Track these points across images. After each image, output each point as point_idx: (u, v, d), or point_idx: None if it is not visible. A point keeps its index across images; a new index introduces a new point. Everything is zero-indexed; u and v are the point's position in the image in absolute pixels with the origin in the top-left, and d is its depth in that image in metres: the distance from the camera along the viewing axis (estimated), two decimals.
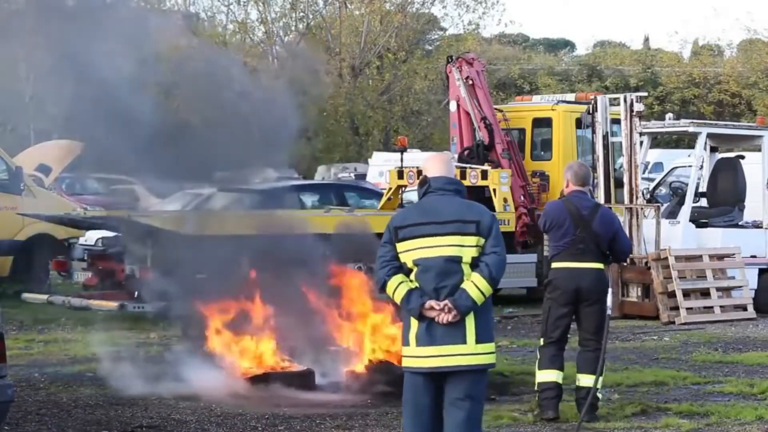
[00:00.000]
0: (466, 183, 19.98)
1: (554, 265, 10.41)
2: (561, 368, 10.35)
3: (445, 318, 7.14)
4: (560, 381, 10.33)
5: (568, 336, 10.49)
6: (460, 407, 7.22)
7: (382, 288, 7.33)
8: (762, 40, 53.27)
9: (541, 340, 10.46)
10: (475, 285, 7.18)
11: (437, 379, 7.26)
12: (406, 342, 7.30)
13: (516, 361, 13.75)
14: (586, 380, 10.26)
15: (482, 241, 7.24)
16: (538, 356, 10.45)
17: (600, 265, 10.28)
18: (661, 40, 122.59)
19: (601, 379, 10.26)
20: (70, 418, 10.45)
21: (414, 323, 7.24)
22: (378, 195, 22.86)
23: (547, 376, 10.33)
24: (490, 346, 7.29)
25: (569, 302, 10.31)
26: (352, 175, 33.46)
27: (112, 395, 11.30)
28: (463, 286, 7.17)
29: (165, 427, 10.10)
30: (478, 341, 7.21)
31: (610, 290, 10.25)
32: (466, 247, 7.22)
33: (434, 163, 7.51)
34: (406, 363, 7.31)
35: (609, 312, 10.23)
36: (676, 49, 59.44)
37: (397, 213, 7.55)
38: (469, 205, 7.38)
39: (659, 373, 12.78)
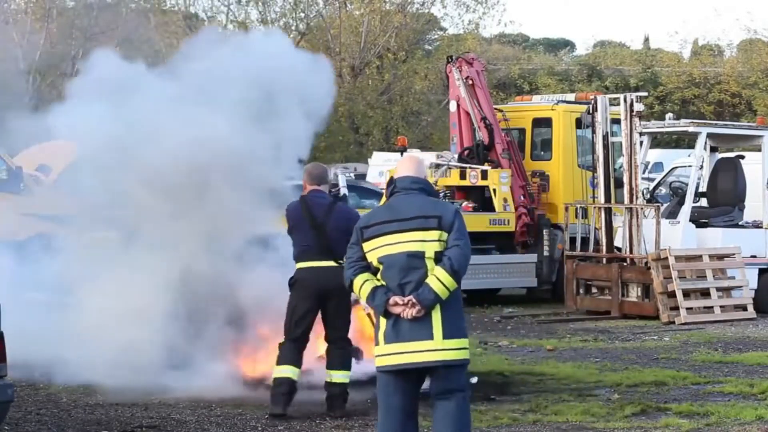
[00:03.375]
0: (465, 183, 20.04)
1: (298, 265, 10.49)
2: (296, 364, 10.44)
3: (410, 313, 7.15)
4: (295, 377, 10.42)
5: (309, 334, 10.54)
6: (446, 401, 7.26)
7: (350, 287, 7.39)
8: (762, 40, 53.24)
9: (283, 337, 10.55)
10: (437, 279, 7.18)
11: (408, 377, 7.27)
12: (376, 341, 7.35)
13: (516, 361, 13.77)
14: (338, 376, 10.40)
15: (445, 235, 7.26)
16: (278, 352, 10.55)
17: (338, 264, 10.21)
18: (661, 40, 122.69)
19: (350, 374, 10.47)
20: (70, 418, 10.46)
21: (383, 321, 7.27)
22: (378, 195, 22.87)
23: (281, 371, 10.44)
24: (459, 342, 7.26)
25: (313, 301, 10.40)
26: (352, 175, 33.42)
27: (112, 395, 11.30)
28: (426, 280, 7.19)
29: (165, 427, 10.10)
30: (446, 337, 7.20)
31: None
32: (428, 242, 7.25)
33: (403, 164, 7.61)
34: (377, 362, 7.34)
35: (366, 309, 10.29)
36: (676, 49, 59.41)
37: (364, 214, 7.60)
38: (433, 202, 7.44)
39: (659, 373, 12.79)
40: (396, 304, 7.18)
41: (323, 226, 10.37)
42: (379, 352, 7.31)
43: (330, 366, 10.50)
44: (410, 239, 7.25)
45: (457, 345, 7.25)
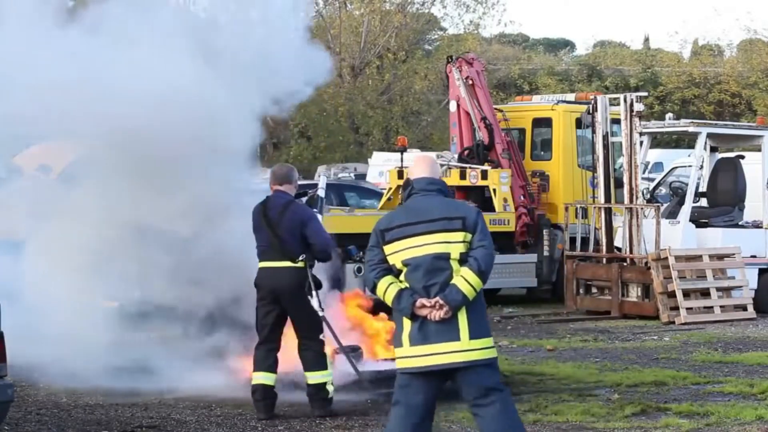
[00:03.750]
0: (465, 183, 20.03)
1: (259, 265, 10.50)
2: (271, 370, 10.42)
3: (437, 315, 7.14)
4: (270, 383, 10.41)
5: (281, 336, 10.50)
6: (487, 402, 7.23)
7: (373, 290, 7.37)
8: (762, 40, 53.27)
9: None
10: (464, 279, 7.18)
11: (432, 378, 7.25)
12: (398, 343, 7.31)
13: (516, 361, 13.76)
14: (313, 377, 10.38)
15: (469, 236, 7.27)
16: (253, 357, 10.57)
17: (295, 264, 10.27)
18: (661, 40, 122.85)
19: (328, 373, 10.41)
20: (70, 418, 10.46)
21: (406, 323, 7.24)
22: (378, 195, 22.87)
23: (255, 378, 10.47)
24: (485, 341, 7.27)
25: (271, 301, 10.39)
26: (352, 175, 33.44)
27: (112, 395, 11.30)
28: (452, 281, 7.18)
29: (165, 427, 10.10)
30: (472, 337, 7.20)
31: (314, 291, 10.28)
32: (453, 244, 7.24)
33: (418, 165, 7.58)
34: (401, 363, 7.30)
35: (320, 312, 10.29)
36: (676, 49, 59.51)
37: (383, 216, 7.59)
38: (454, 203, 7.45)
39: (659, 373, 12.79)
40: (423, 306, 7.16)
41: (277, 227, 10.35)
42: (403, 354, 7.28)
43: (305, 367, 10.46)
44: (435, 241, 7.24)
45: (483, 344, 7.25)
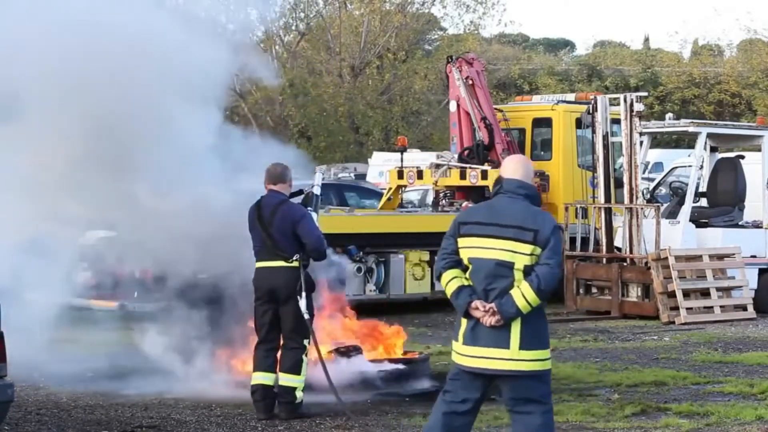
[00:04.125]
0: (465, 183, 20.02)
1: (255, 265, 10.52)
2: (270, 370, 10.44)
3: (489, 321, 7.13)
4: (269, 383, 10.43)
5: (280, 335, 10.48)
6: (525, 411, 7.22)
7: (438, 279, 7.38)
8: (762, 40, 53.26)
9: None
10: (522, 294, 7.11)
11: (481, 379, 7.28)
12: (455, 337, 7.34)
13: None
14: (285, 380, 10.37)
15: (538, 250, 7.15)
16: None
17: (289, 264, 10.28)
18: (661, 40, 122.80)
19: (300, 379, 10.36)
20: (70, 418, 10.46)
21: (463, 321, 7.27)
22: (378, 195, 22.87)
23: (254, 378, 10.50)
24: (538, 354, 7.20)
25: (266, 301, 10.41)
26: (352, 175, 33.43)
27: (112, 395, 11.30)
28: (511, 291, 7.12)
29: (165, 427, 10.10)
30: (522, 348, 7.14)
31: (304, 292, 10.27)
32: (519, 254, 7.15)
33: (512, 165, 7.46)
34: (454, 358, 7.35)
35: (306, 314, 10.25)
36: (676, 49, 59.51)
37: (467, 208, 7.60)
38: (534, 213, 7.26)
39: (659, 373, 12.79)
40: (477, 309, 7.16)
41: (269, 226, 10.36)
42: (456, 350, 7.33)
43: (280, 367, 10.46)
44: (502, 247, 7.17)
45: (534, 356, 7.19)
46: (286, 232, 10.33)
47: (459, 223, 7.34)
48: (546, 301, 7.22)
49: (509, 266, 7.16)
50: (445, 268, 7.29)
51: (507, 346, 7.14)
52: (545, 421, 7.27)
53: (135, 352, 12.65)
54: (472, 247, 7.23)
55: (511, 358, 7.13)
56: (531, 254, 7.15)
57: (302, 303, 10.27)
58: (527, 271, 7.14)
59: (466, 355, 7.23)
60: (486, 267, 7.18)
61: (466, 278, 7.25)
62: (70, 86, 11.16)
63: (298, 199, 11.09)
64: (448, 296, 7.30)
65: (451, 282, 7.25)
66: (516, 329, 7.14)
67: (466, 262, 7.26)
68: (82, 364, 13.07)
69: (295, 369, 10.36)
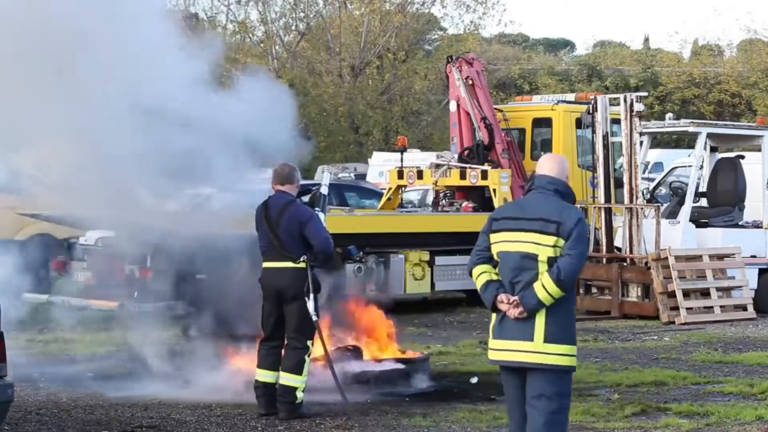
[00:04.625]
0: (465, 183, 20.03)
1: (262, 265, 10.58)
2: (273, 368, 10.49)
3: (513, 313, 7.24)
4: (270, 380, 10.49)
5: (284, 334, 10.53)
6: (535, 407, 7.26)
7: (470, 274, 7.47)
8: (762, 40, 53.25)
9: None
10: (543, 286, 7.20)
11: (513, 372, 7.36)
12: (489, 333, 7.46)
13: None
14: (286, 379, 10.41)
15: (561, 242, 7.24)
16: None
17: (296, 264, 10.33)
18: (661, 40, 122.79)
19: (302, 379, 10.38)
20: (70, 418, 10.46)
21: (493, 316, 7.39)
22: (378, 195, 22.87)
23: (258, 374, 10.57)
24: (563, 348, 7.24)
25: (273, 301, 10.46)
26: (352, 175, 33.43)
27: (112, 395, 11.30)
28: (535, 284, 7.24)
29: (165, 427, 10.10)
30: (547, 340, 7.21)
31: (312, 293, 10.32)
32: (543, 246, 7.25)
33: (546, 162, 7.58)
34: (488, 354, 7.48)
35: (314, 316, 10.30)
36: (676, 49, 59.49)
37: (503, 204, 7.68)
38: (560, 206, 7.35)
39: (659, 373, 12.79)
40: (502, 302, 7.27)
41: (276, 227, 10.40)
42: (489, 345, 7.45)
43: (281, 366, 10.50)
44: (527, 240, 7.28)
45: (560, 350, 7.24)
46: (293, 233, 10.36)
47: (492, 219, 7.48)
48: (569, 292, 7.28)
49: (534, 258, 7.25)
50: (475, 264, 7.42)
51: (531, 338, 7.22)
52: (558, 417, 7.28)
53: (135, 352, 12.66)
54: (501, 242, 7.36)
55: (536, 350, 7.22)
56: (554, 246, 7.24)
57: (310, 305, 10.31)
58: (551, 263, 7.24)
59: (495, 348, 7.36)
60: (512, 260, 7.30)
61: (495, 273, 7.37)
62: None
63: (305, 199, 11.11)
64: (478, 290, 7.42)
65: (480, 277, 7.38)
66: (541, 322, 7.23)
67: (495, 257, 7.38)
68: (82, 364, 13.09)
69: (297, 369, 10.38)
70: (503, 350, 7.29)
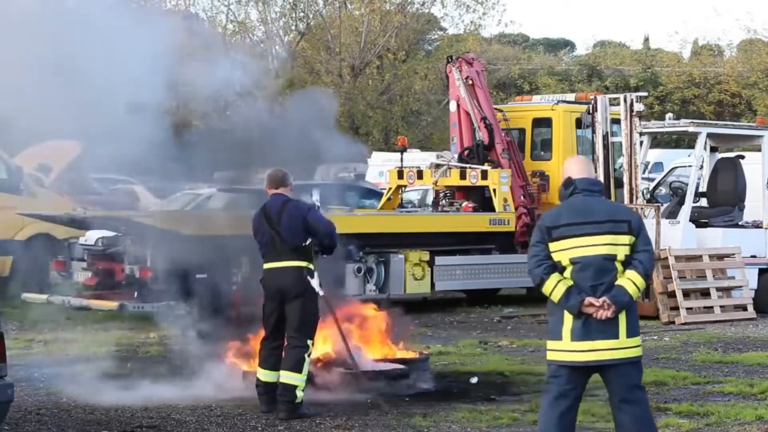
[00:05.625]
0: (465, 183, 20.03)
1: (264, 266, 10.65)
2: (274, 368, 10.55)
3: (604, 314, 7.43)
4: (270, 380, 10.56)
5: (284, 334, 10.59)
6: (630, 400, 7.54)
7: (539, 285, 7.60)
8: (762, 40, 53.25)
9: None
10: (632, 281, 7.49)
11: (586, 372, 7.60)
12: (558, 336, 7.56)
13: (516, 361, 13.76)
14: (286, 377, 10.45)
15: (633, 239, 7.55)
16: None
17: (298, 263, 10.44)
18: (661, 40, 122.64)
19: (302, 378, 10.42)
20: (70, 418, 10.46)
21: (568, 318, 7.51)
22: (378, 195, 22.87)
23: (258, 374, 10.66)
24: (637, 340, 7.60)
25: (275, 300, 10.53)
26: (352, 175, 33.43)
27: (112, 395, 11.29)
28: (619, 282, 7.48)
29: (165, 427, 10.10)
30: (628, 335, 7.52)
31: (316, 272, 10.47)
32: (619, 246, 7.53)
33: (577, 165, 7.90)
34: (560, 357, 7.58)
35: (320, 291, 10.45)
36: (676, 49, 59.45)
37: (547, 213, 7.82)
38: (616, 206, 7.77)
39: (659, 373, 12.78)
40: (591, 305, 7.43)
41: (277, 226, 10.48)
42: (562, 348, 7.56)
43: (282, 365, 10.54)
44: (604, 242, 7.52)
45: (635, 343, 7.59)
46: (295, 228, 10.47)
47: (548, 228, 7.64)
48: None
49: (613, 259, 7.50)
50: (546, 274, 7.55)
51: (617, 336, 7.50)
52: (647, 406, 7.68)
53: (135, 352, 12.66)
54: (572, 248, 7.54)
55: (620, 346, 7.50)
56: (629, 244, 7.54)
57: (314, 282, 10.42)
58: (627, 262, 7.51)
59: (578, 350, 7.50)
60: (595, 263, 7.50)
61: (566, 279, 7.52)
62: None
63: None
64: (555, 299, 7.51)
65: (558, 286, 7.51)
66: (623, 318, 7.51)
67: (565, 263, 7.53)
68: (82, 364, 13.09)
69: (297, 367, 10.41)
70: (590, 351, 7.49)
